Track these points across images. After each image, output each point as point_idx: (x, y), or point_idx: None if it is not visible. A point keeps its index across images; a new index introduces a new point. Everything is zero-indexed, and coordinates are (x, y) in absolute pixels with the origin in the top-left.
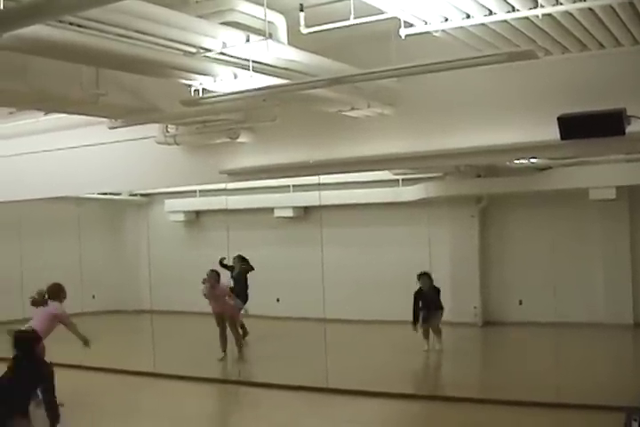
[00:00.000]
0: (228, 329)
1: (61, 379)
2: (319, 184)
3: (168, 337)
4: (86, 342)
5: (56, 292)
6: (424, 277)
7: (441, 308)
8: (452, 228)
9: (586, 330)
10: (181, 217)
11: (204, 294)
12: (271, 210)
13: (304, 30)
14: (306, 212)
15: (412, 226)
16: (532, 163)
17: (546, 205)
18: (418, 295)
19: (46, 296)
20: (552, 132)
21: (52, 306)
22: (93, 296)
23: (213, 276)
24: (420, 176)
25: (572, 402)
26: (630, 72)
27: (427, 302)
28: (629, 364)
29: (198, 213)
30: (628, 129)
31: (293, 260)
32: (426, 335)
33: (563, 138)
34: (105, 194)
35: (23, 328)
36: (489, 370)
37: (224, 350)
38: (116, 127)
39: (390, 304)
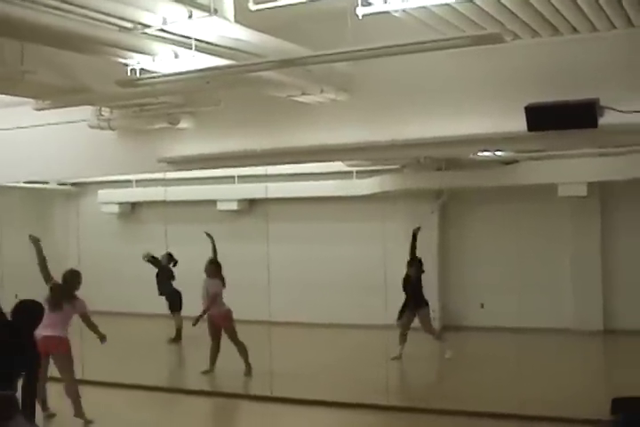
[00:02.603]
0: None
1: None
2: (266, 175)
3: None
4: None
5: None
6: (413, 262)
7: (426, 303)
8: (409, 224)
9: (552, 336)
10: (115, 209)
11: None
12: (213, 202)
13: (252, 7)
14: (251, 205)
15: (365, 222)
16: (497, 156)
17: (511, 202)
18: (405, 284)
19: None
20: (519, 123)
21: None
22: (16, 296)
23: (212, 268)
24: (375, 168)
25: (538, 414)
26: (606, 59)
27: (412, 293)
28: (599, 373)
29: (134, 205)
30: (601, 121)
31: (237, 257)
32: (402, 338)
33: (530, 129)
34: (30, 182)
35: None
36: (447, 379)
37: (213, 363)
38: (43, 109)
39: (342, 306)
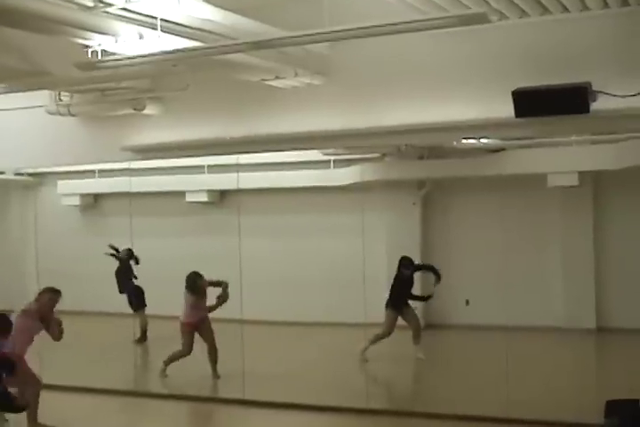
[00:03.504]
0: None
1: None
2: (238, 165)
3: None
4: None
5: None
6: (405, 261)
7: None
8: (390, 216)
9: (542, 335)
10: (77, 201)
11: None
12: (182, 194)
13: None
14: (222, 196)
15: (343, 214)
16: (483, 143)
17: (498, 192)
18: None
19: None
20: (506, 109)
21: None
22: None
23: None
24: (354, 157)
25: (526, 417)
26: (598, 40)
27: (395, 290)
28: (591, 374)
29: (97, 197)
30: (594, 106)
31: (207, 251)
32: (378, 337)
33: (518, 115)
34: None
35: None
36: (430, 380)
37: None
38: None
39: (318, 303)
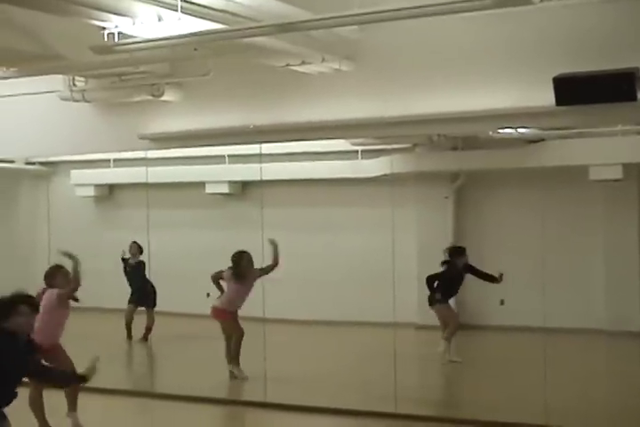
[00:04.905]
0: None
1: None
2: (261, 155)
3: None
4: None
5: None
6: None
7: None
8: (421, 210)
9: (582, 338)
10: (91, 192)
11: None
12: (202, 185)
13: None
14: (244, 188)
15: (372, 208)
16: (521, 133)
17: (536, 186)
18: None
19: None
20: (546, 97)
21: None
22: None
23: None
24: (383, 147)
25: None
26: None
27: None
28: (637, 382)
29: (112, 187)
30: None
31: (228, 246)
32: (451, 333)
33: (559, 103)
34: None
35: None
36: (463, 384)
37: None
38: (7, 78)
39: (345, 301)
